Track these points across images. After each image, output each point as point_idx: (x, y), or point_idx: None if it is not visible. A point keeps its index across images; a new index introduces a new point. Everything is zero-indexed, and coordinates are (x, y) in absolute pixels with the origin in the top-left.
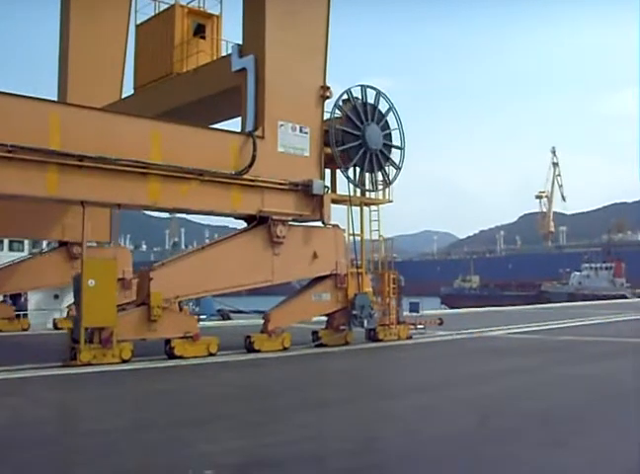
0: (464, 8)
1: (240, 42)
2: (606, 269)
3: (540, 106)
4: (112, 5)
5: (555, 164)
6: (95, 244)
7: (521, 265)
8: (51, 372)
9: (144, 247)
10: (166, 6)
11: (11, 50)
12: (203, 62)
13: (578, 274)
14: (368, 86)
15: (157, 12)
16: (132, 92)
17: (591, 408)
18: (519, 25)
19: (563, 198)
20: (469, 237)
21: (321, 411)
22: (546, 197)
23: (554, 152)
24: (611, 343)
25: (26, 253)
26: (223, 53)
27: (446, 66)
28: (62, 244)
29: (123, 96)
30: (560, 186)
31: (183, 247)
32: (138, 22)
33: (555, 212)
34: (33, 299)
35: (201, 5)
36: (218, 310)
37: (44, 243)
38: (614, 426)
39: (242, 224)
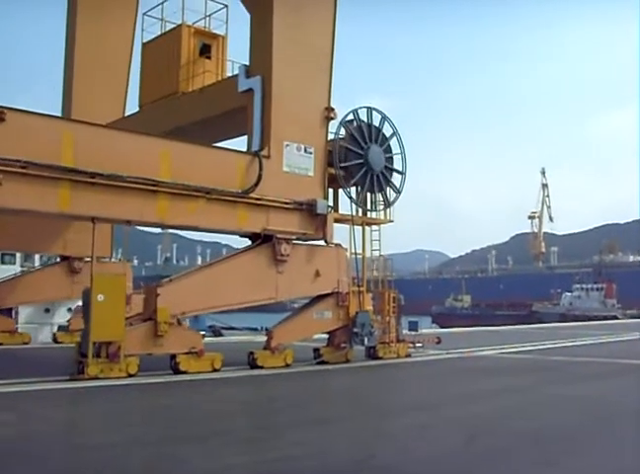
0: (456, 30)
1: (245, 63)
2: (598, 289)
3: (534, 125)
4: (117, 22)
5: (544, 185)
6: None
7: (513, 285)
8: (59, 386)
9: (136, 262)
10: (172, 26)
11: (15, 64)
12: (209, 82)
13: (569, 294)
14: (375, 109)
15: (164, 31)
16: (136, 109)
17: (582, 428)
18: (515, 44)
19: (550, 219)
20: (461, 256)
21: (321, 428)
22: (537, 217)
23: (544, 173)
24: (603, 363)
25: (17, 266)
26: (228, 73)
27: (439, 85)
28: (64, 258)
29: (127, 112)
30: (548, 207)
31: (174, 262)
32: (145, 40)
33: (547, 233)
34: (23, 313)
35: (207, 25)
36: (210, 326)
37: (37, 257)
38: (606, 446)
39: (234, 240)
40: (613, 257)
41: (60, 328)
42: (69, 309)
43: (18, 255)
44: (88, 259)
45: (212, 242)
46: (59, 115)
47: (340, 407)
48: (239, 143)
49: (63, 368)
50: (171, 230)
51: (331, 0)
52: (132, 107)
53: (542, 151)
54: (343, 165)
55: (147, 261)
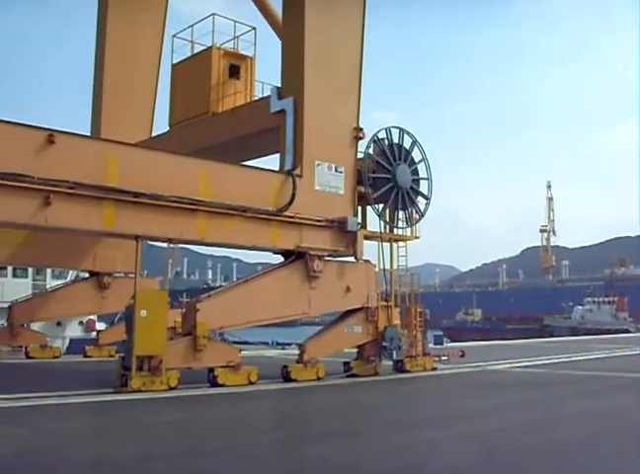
0: (459, 45)
1: (272, 82)
2: (609, 303)
3: (543, 139)
4: (146, 42)
5: (549, 199)
6: (122, 274)
7: (524, 298)
8: (104, 398)
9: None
10: (202, 47)
11: (47, 84)
12: (239, 102)
13: (580, 308)
14: (407, 131)
15: (193, 53)
16: (161, 128)
17: (595, 443)
18: (521, 56)
19: (554, 233)
20: (472, 270)
21: (350, 440)
22: (546, 230)
23: (549, 187)
24: (615, 377)
25: (29, 280)
26: (257, 93)
27: (444, 100)
28: (93, 274)
29: (154, 132)
30: (552, 220)
31: (185, 276)
32: (174, 61)
33: (558, 246)
34: (35, 326)
35: (235, 47)
36: (223, 340)
37: (48, 272)
38: (618, 461)
39: (245, 254)
40: (625, 270)
41: (86, 342)
42: (80, 323)
43: (30, 270)
44: (117, 274)
45: (222, 257)
46: (88, 133)
47: (363, 420)
48: (266, 162)
49: (104, 382)
50: (181, 244)
51: (359, 22)
52: (158, 126)
53: (552, 164)
54: (372, 175)
55: (157, 275)
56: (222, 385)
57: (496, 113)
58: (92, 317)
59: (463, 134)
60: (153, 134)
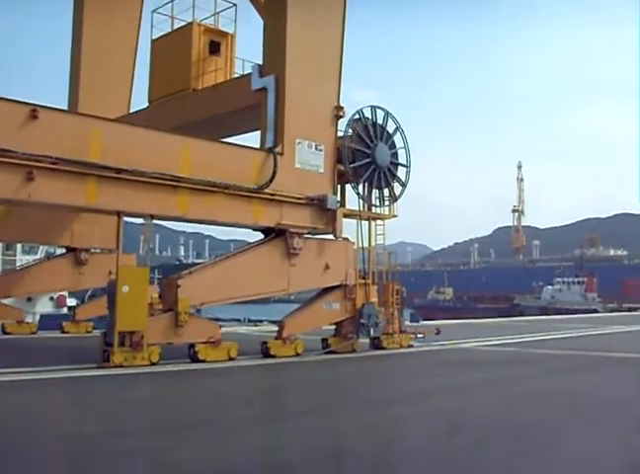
0: (436, 25)
1: (254, 61)
2: (579, 283)
3: (517, 120)
4: (124, 18)
5: (520, 179)
6: (99, 251)
7: (495, 278)
8: (86, 373)
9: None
10: (182, 23)
11: (24, 59)
12: (219, 80)
13: (550, 287)
14: (378, 107)
15: (173, 29)
16: (139, 104)
17: (562, 420)
18: (497, 39)
19: (522, 213)
20: (444, 249)
21: (322, 416)
22: (518, 211)
23: (520, 167)
24: (582, 356)
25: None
26: (237, 70)
27: (422, 80)
28: (70, 250)
29: (131, 108)
30: (522, 201)
31: (157, 253)
32: (154, 37)
33: (529, 226)
34: (5, 301)
35: (216, 23)
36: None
37: (18, 247)
38: (585, 437)
39: (217, 231)
40: (595, 251)
41: (57, 318)
42: (51, 298)
43: (18, 246)
44: (93, 250)
45: (195, 233)
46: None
47: (334, 397)
48: (244, 139)
49: (87, 357)
50: (160, 221)
51: (341, 3)
52: (136, 102)
53: (525, 145)
54: (353, 166)
55: (130, 251)
56: (203, 361)
57: (472, 94)
58: (63, 293)
59: (439, 114)
60: (131, 110)
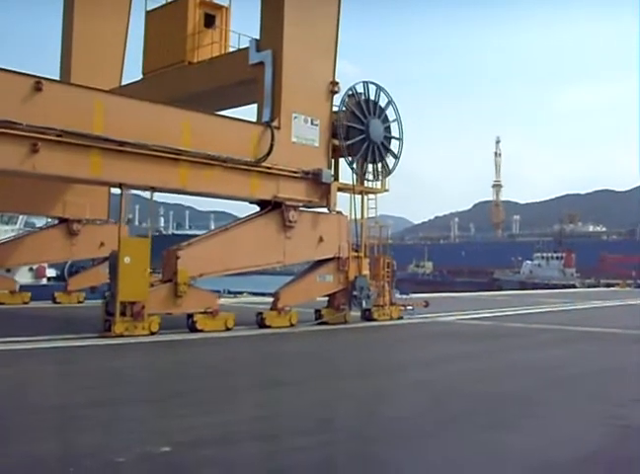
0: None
1: (248, 33)
2: (557, 258)
3: (500, 96)
4: None
5: (498, 154)
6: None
7: (475, 252)
8: (91, 343)
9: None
10: None
11: (13, 32)
12: (214, 53)
13: (529, 262)
14: (370, 82)
15: (168, 1)
16: (131, 76)
17: (538, 392)
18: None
19: (500, 188)
20: (424, 223)
21: (303, 386)
22: (496, 185)
23: (498, 142)
24: (559, 330)
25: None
26: (232, 44)
27: (406, 55)
28: (62, 221)
29: (124, 80)
30: (499, 176)
31: (137, 224)
32: (148, 8)
33: (509, 201)
34: None
35: None
36: None
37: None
38: (560, 409)
39: (197, 202)
40: (574, 227)
41: (36, 288)
42: (30, 269)
43: (20, 217)
44: (85, 221)
45: (175, 204)
46: None
47: (327, 367)
48: (240, 112)
49: (86, 327)
50: (133, 191)
51: None
52: (127, 74)
53: (509, 121)
54: (348, 143)
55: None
56: (201, 331)
57: (456, 71)
58: (43, 264)
59: (423, 89)
60: (123, 82)
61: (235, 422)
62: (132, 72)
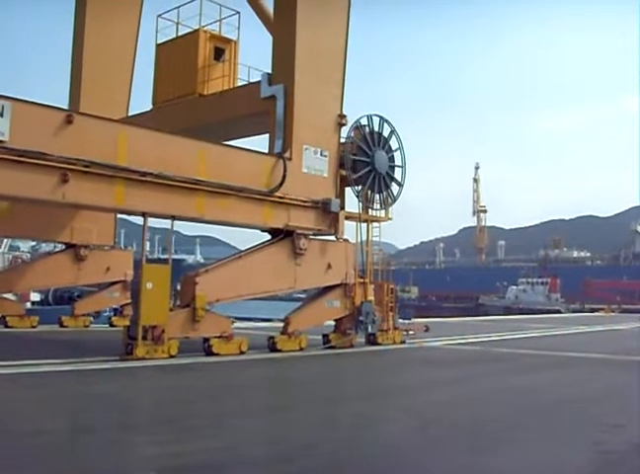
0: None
1: (255, 66)
2: (542, 284)
3: (484, 121)
4: (124, 22)
5: (476, 180)
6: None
7: (460, 277)
8: (112, 365)
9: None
10: (187, 29)
11: (25, 61)
12: (223, 85)
13: (515, 288)
14: (374, 115)
15: (179, 34)
16: (139, 107)
17: (521, 418)
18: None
19: (481, 214)
20: (409, 248)
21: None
22: (482, 211)
23: (477, 168)
24: (545, 356)
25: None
26: (241, 76)
27: (388, 76)
28: (69, 246)
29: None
30: (479, 202)
31: (122, 247)
32: (159, 41)
33: (494, 227)
34: None
35: (219, 30)
36: None
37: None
38: (541, 435)
39: (184, 227)
40: (558, 252)
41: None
42: (15, 295)
43: (5, 240)
44: (92, 246)
45: (161, 229)
46: None
47: (322, 391)
48: (248, 142)
49: (107, 350)
50: (120, 215)
51: (345, 15)
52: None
53: (491, 147)
54: (355, 177)
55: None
56: (217, 354)
57: (437, 93)
58: None
59: (404, 113)
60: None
61: (239, 443)
62: (137, 103)
